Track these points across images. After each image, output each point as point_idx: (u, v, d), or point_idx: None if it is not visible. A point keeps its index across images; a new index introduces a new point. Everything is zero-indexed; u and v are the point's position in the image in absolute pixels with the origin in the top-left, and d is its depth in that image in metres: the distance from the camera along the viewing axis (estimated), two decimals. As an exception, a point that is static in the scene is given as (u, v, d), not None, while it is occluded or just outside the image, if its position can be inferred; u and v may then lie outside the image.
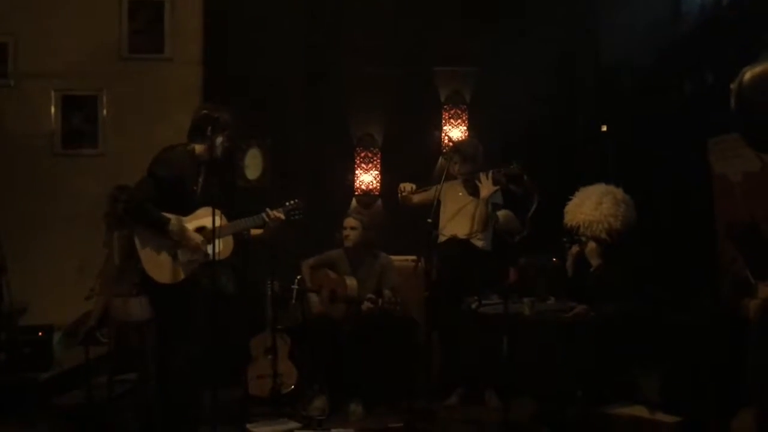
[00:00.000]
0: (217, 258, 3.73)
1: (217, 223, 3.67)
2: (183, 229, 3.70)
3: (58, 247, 5.59)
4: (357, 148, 5.90)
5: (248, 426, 4.22)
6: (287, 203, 4.02)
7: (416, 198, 4.95)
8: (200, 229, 3.78)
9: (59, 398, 4.49)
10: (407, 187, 4.93)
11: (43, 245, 5.59)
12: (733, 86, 2.15)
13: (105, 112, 5.79)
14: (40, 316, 4.92)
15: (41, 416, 4.30)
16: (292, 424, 4.33)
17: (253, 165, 5.82)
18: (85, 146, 5.80)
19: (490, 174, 4.75)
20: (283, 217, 3.93)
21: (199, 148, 3.83)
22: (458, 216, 4.86)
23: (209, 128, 3.75)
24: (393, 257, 5.26)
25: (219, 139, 3.81)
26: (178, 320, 3.73)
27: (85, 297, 4.73)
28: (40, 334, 4.60)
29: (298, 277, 4.95)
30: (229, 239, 3.83)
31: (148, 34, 5.82)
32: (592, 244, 4.41)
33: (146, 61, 5.81)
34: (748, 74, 2.13)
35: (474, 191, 4.85)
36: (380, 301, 4.61)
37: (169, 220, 3.68)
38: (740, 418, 3.50)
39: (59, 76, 5.75)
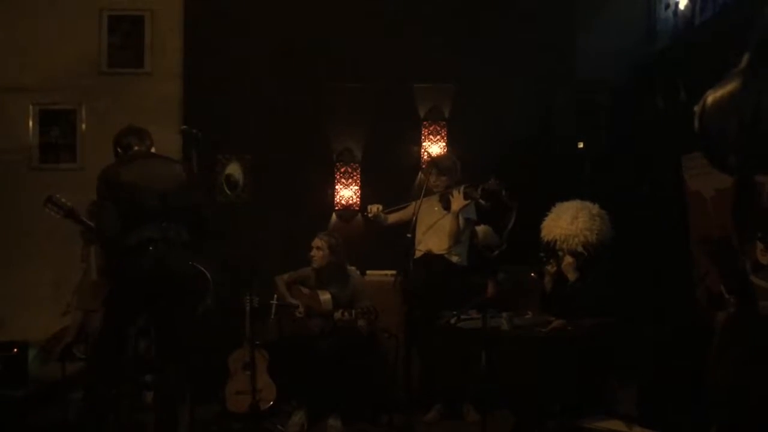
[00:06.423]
0: None
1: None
2: None
3: (34, 261, 5.54)
4: (337, 163, 5.91)
5: (226, 442, 4.20)
6: None
7: (391, 218, 4.97)
8: None
9: (35, 415, 4.44)
10: (374, 208, 4.91)
11: (20, 260, 5.54)
12: (696, 109, 2.18)
13: (83, 126, 5.76)
14: (16, 332, 4.86)
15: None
16: (271, 440, 4.32)
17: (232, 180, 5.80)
18: (62, 160, 5.76)
19: (461, 188, 4.78)
20: None
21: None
22: (432, 231, 4.87)
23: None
24: (372, 272, 5.26)
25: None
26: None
27: (62, 312, 4.68)
28: (14, 350, 4.53)
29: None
30: None
31: (127, 48, 5.80)
32: (568, 258, 4.47)
33: (125, 75, 5.79)
34: (710, 98, 2.15)
35: (449, 206, 4.87)
36: (353, 312, 4.62)
37: None
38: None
39: (37, 90, 5.72)
